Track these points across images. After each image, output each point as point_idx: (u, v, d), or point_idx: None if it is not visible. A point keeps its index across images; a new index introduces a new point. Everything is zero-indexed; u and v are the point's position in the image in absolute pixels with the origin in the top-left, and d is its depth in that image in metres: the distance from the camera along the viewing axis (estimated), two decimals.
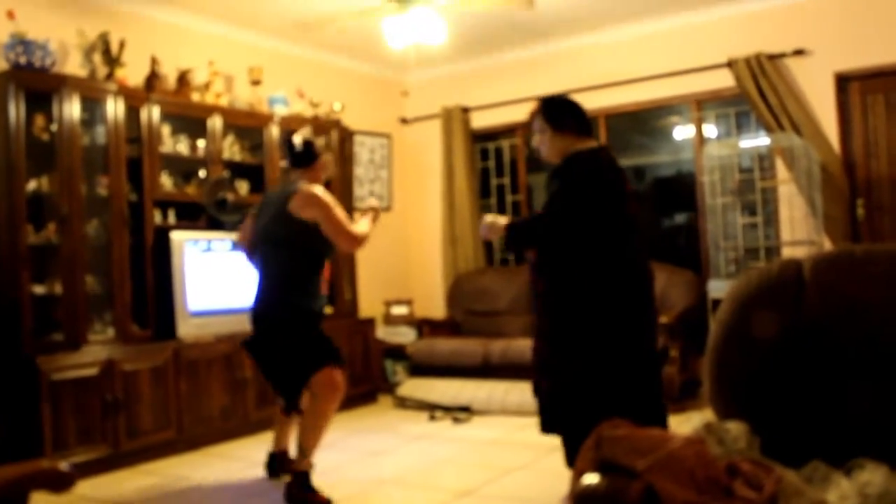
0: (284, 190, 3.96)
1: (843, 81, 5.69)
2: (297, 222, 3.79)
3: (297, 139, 3.99)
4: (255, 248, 4.03)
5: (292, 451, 4.13)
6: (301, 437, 3.83)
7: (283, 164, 4.02)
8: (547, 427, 3.47)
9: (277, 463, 4.29)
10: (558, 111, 3.47)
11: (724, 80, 6.00)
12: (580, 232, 3.26)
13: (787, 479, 1.75)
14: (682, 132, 8.35)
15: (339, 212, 3.83)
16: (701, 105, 6.39)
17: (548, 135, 3.45)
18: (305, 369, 3.80)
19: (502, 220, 3.48)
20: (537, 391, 3.51)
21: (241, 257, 4.42)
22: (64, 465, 1.76)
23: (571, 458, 3.46)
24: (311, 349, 3.85)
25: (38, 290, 4.49)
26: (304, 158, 3.96)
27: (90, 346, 4.58)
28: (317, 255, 3.92)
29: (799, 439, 2.02)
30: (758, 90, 5.73)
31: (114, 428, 4.56)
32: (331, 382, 3.81)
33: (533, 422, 3.73)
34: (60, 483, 1.75)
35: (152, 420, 4.77)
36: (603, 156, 3.39)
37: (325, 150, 4.07)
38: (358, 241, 3.88)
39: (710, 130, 6.58)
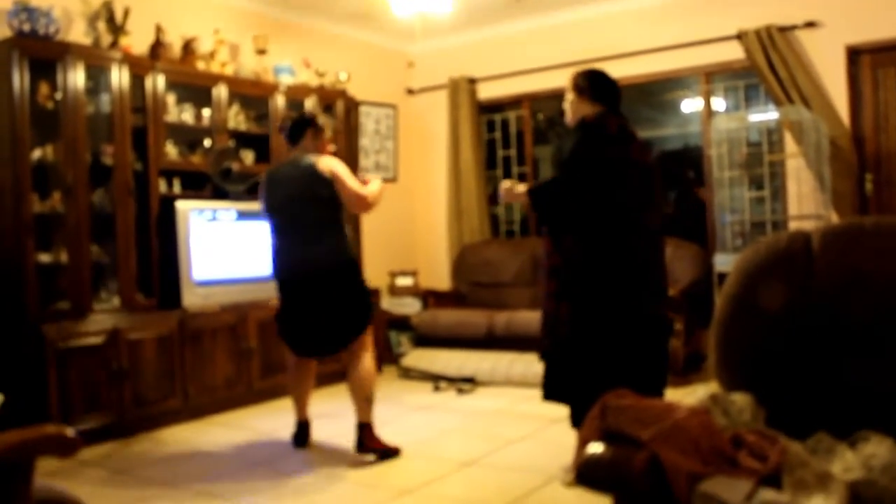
0: (300, 161, 4.12)
1: (855, 54, 5.62)
2: (328, 182, 4.02)
3: (298, 116, 4.36)
4: (274, 218, 4.20)
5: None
6: (357, 394, 4.08)
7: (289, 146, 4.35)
8: (550, 394, 3.51)
9: (304, 432, 4.38)
10: (585, 79, 3.58)
11: (733, 53, 5.94)
12: (592, 197, 3.31)
13: (792, 451, 1.75)
14: (690, 105, 8.30)
15: (353, 180, 4.11)
16: (710, 78, 6.33)
17: (570, 99, 3.58)
18: (357, 324, 4.06)
19: (521, 187, 3.58)
20: (544, 353, 3.55)
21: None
22: (69, 431, 1.76)
23: (577, 420, 3.50)
24: (362, 302, 4.10)
25: (44, 258, 4.50)
26: (309, 127, 4.25)
27: (96, 315, 4.59)
28: (342, 210, 4.14)
29: (804, 411, 2.02)
30: (768, 63, 5.67)
31: (119, 396, 4.58)
32: (369, 343, 4.15)
33: (536, 393, 3.74)
34: (66, 448, 1.75)
35: (158, 388, 4.79)
36: (610, 122, 3.43)
37: (322, 122, 4.36)
38: (366, 200, 4.10)
39: (718, 104, 6.52)
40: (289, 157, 4.27)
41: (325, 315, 4.02)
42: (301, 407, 4.37)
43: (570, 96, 3.59)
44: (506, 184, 3.66)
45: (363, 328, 4.07)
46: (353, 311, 4.05)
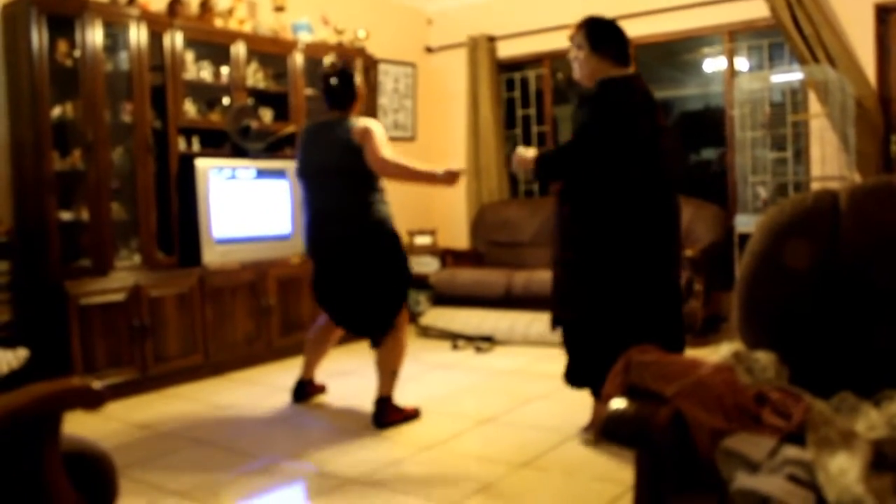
0: (340, 126, 3.91)
1: (884, 12, 5.49)
2: (360, 149, 3.82)
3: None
4: (307, 179, 4.02)
5: (318, 378, 4.48)
6: (384, 367, 3.97)
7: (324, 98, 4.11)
8: (575, 382, 3.52)
9: (304, 389, 4.41)
10: (601, 31, 3.41)
11: (757, 11, 5.82)
12: (606, 162, 3.23)
13: (816, 409, 1.74)
14: (713, 64, 8.17)
15: (383, 139, 3.85)
16: (733, 36, 6.22)
17: (584, 53, 3.41)
18: (393, 304, 3.92)
19: (531, 153, 3.47)
20: (557, 323, 3.53)
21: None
22: (95, 383, 1.78)
23: (577, 377, 3.50)
24: (398, 280, 3.94)
25: (65, 216, 4.52)
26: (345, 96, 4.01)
27: (117, 272, 4.63)
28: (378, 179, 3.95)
29: (828, 370, 2.00)
30: (793, 21, 5.55)
31: (141, 352, 4.63)
32: (406, 316, 4.04)
33: (554, 352, 3.76)
34: (92, 400, 1.76)
35: (179, 345, 4.84)
36: (637, 85, 3.34)
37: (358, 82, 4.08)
38: (385, 163, 3.82)
39: (741, 63, 6.42)
40: (329, 118, 4.00)
41: (359, 291, 3.89)
42: (309, 366, 4.39)
43: (582, 51, 3.39)
44: (520, 150, 3.55)
45: (399, 306, 3.93)
46: (387, 290, 3.91)
